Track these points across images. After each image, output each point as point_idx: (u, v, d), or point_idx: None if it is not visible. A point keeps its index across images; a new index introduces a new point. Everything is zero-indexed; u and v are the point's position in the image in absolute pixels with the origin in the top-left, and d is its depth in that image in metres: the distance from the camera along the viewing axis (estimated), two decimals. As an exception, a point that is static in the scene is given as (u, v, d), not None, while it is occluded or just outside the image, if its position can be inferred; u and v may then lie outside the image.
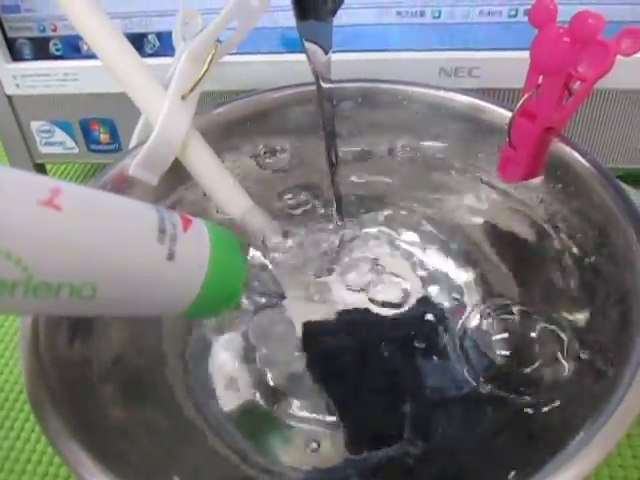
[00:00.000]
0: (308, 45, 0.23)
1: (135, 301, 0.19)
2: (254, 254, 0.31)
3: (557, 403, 0.22)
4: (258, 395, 0.27)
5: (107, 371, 0.24)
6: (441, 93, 0.30)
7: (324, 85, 0.25)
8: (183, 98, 0.28)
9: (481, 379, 0.26)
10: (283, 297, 0.28)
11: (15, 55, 0.39)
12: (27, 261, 0.16)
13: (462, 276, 0.30)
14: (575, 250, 0.26)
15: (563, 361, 0.24)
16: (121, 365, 0.25)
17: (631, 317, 0.21)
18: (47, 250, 0.16)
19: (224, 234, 0.22)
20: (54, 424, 0.20)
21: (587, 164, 0.26)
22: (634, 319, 0.21)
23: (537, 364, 0.25)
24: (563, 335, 0.25)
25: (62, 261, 0.16)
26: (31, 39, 0.38)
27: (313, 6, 0.22)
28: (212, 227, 0.21)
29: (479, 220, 0.31)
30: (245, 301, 0.30)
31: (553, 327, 0.26)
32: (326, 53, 0.24)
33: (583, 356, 0.23)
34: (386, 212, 0.33)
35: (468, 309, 0.29)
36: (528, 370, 0.25)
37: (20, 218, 0.16)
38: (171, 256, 0.19)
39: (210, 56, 0.29)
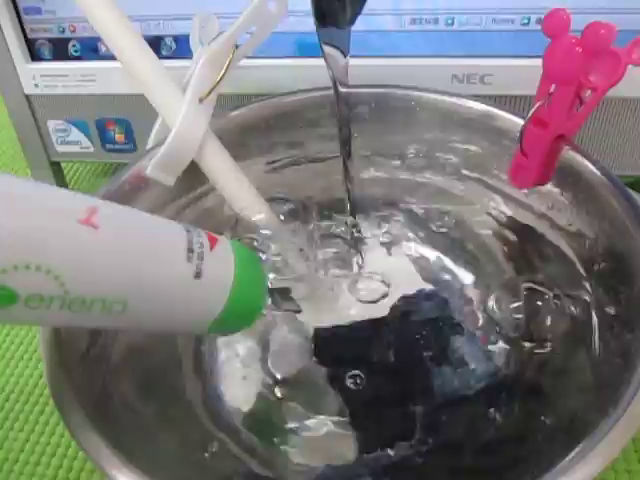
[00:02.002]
0: (327, 49, 0.23)
1: (162, 317, 0.20)
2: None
3: (563, 406, 0.23)
4: (270, 394, 0.27)
5: (124, 364, 0.25)
6: (454, 100, 0.30)
7: (341, 89, 0.25)
8: (201, 101, 0.29)
9: (488, 382, 0.26)
10: (298, 311, 0.28)
11: (34, 55, 0.39)
12: (65, 278, 0.16)
13: (471, 279, 0.31)
14: (585, 257, 0.26)
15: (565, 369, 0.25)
16: (137, 359, 0.26)
17: (638, 321, 0.21)
18: (84, 267, 0.17)
19: (248, 253, 0.22)
20: (75, 415, 0.20)
21: (597, 172, 0.26)
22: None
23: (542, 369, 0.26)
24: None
25: (97, 278, 0.17)
26: (51, 40, 0.39)
27: (333, 14, 0.22)
28: (237, 245, 0.22)
29: (489, 225, 0.31)
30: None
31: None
32: (345, 56, 0.24)
33: (592, 362, 0.23)
34: (396, 215, 0.33)
35: (476, 311, 0.29)
36: (532, 374, 0.26)
37: (60, 236, 0.16)
38: (198, 274, 0.20)
39: (228, 60, 0.29)
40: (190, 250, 0.20)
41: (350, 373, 0.27)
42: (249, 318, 0.23)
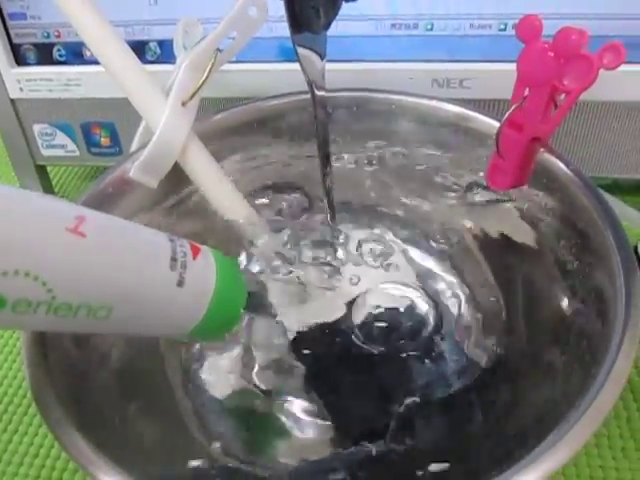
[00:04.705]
0: (302, 51, 0.24)
1: (145, 323, 0.21)
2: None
3: (534, 405, 0.23)
4: (248, 389, 0.28)
5: (107, 363, 0.25)
6: (433, 103, 0.31)
7: (318, 93, 0.25)
8: (183, 104, 0.29)
9: (465, 380, 0.27)
10: (273, 316, 0.29)
11: (19, 60, 0.40)
12: (52, 284, 0.17)
13: (449, 279, 0.31)
14: (559, 256, 0.27)
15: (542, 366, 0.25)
16: (120, 359, 0.26)
17: (607, 318, 0.22)
18: (71, 274, 0.17)
19: (228, 262, 0.23)
20: (56, 413, 0.20)
21: (570, 173, 0.27)
22: (610, 320, 0.21)
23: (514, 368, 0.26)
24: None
25: (83, 285, 0.18)
26: (36, 45, 0.39)
27: (307, 21, 0.23)
28: (218, 255, 0.23)
29: (468, 226, 0.32)
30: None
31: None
32: (322, 59, 0.24)
33: (563, 358, 0.24)
34: (376, 217, 0.34)
35: (454, 311, 0.30)
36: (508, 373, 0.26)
37: (49, 245, 0.17)
38: (181, 282, 0.20)
39: (210, 64, 0.30)
40: (174, 259, 0.20)
41: (329, 369, 0.28)
42: (229, 324, 0.24)
